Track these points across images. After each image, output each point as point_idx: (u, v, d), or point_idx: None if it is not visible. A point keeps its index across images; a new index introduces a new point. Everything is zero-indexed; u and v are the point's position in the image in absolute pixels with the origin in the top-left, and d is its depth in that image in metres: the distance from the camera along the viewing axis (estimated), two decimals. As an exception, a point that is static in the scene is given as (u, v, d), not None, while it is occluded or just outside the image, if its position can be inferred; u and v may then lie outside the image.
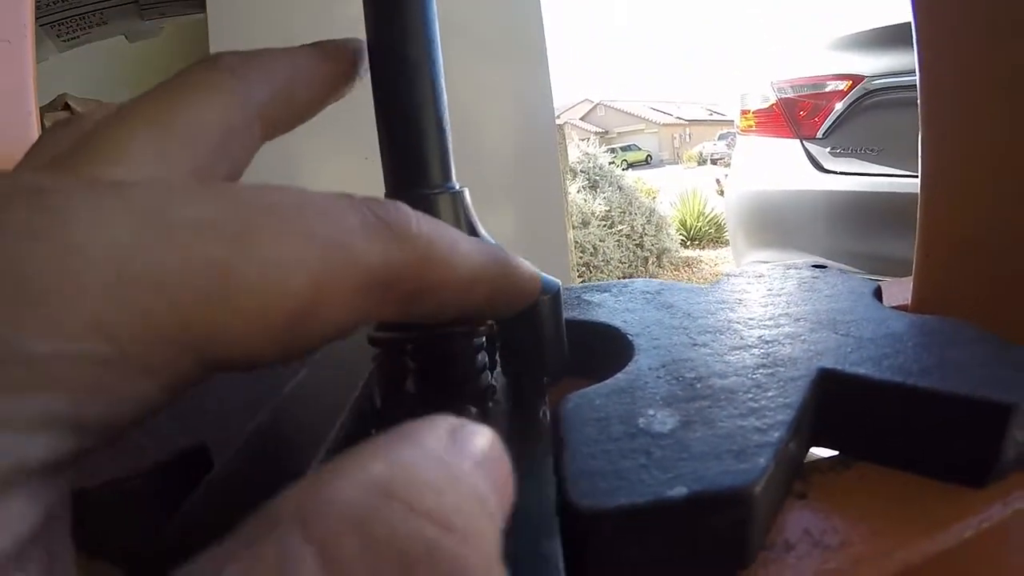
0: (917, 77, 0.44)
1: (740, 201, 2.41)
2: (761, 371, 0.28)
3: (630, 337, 0.33)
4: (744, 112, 2.43)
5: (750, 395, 0.26)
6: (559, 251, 1.95)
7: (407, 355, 0.30)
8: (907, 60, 1.70)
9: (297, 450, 0.21)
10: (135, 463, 0.27)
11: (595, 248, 4.55)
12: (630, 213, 4.93)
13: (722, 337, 0.32)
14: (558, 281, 0.29)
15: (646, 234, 4.94)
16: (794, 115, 2.19)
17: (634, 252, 4.83)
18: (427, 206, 0.27)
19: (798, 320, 0.34)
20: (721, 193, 5.23)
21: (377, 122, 0.29)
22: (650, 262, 4.91)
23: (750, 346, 0.31)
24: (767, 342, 0.31)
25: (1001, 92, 0.38)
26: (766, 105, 2.31)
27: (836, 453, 0.28)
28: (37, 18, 1.48)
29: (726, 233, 4.31)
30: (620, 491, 0.20)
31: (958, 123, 0.42)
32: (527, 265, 0.24)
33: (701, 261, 5.21)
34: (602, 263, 4.53)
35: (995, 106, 0.39)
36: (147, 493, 0.26)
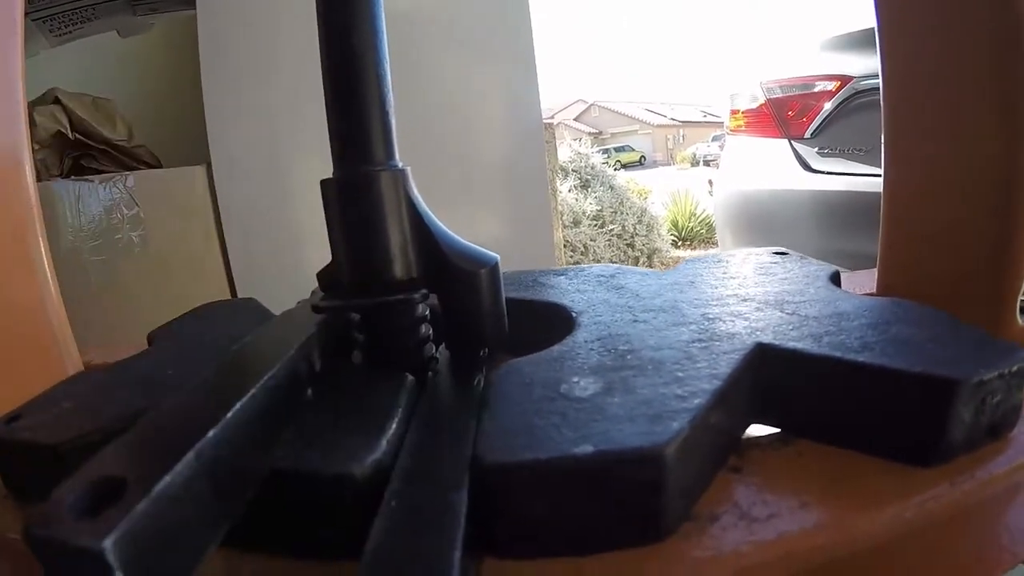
0: (880, 78, 0.45)
1: (729, 200, 2.42)
2: (695, 344, 0.27)
3: (574, 314, 0.33)
4: (733, 112, 2.44)
5: (678, 366, 0.25)
6: (546, 250, 1.94)
7: (351, 326, 0.30)
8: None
9: (220, 400, 0.21)
10: (96, 423, 0.29)
11: (586, 247, 4.55)
12: (621, 213, 4.93)
13: (664, 315, 0.32)
14: (496, 256, 0.30)
15: (637, 234, 4.94)
16: (783, 115, 2.19)
17: (625, 252, 4.83)
18: (370, 182, 0.29)
19: (745, 300, 0.33)
20: (712, 193, 5.24)
21: (325, 105, 0.30)
22: (640, 262, 4.90)
23: (690, 323, 0.30)
24: (708, 319, 0.31)
25: (959, 93, 0.39)
26: (755, 105, 2.31)
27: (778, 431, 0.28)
28: (28, 13, 1.48)
29: (717, 234, 4.33)
30: (528, 447, 0.20)
31: (918, 120, 0.43)
32: None
33: (691, 261, 5.20)
34: (592, 262, 4.54)
35: (954, 106, 0.40)
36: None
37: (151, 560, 0.15)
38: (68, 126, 1.47)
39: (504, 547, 0.21)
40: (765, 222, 2.24)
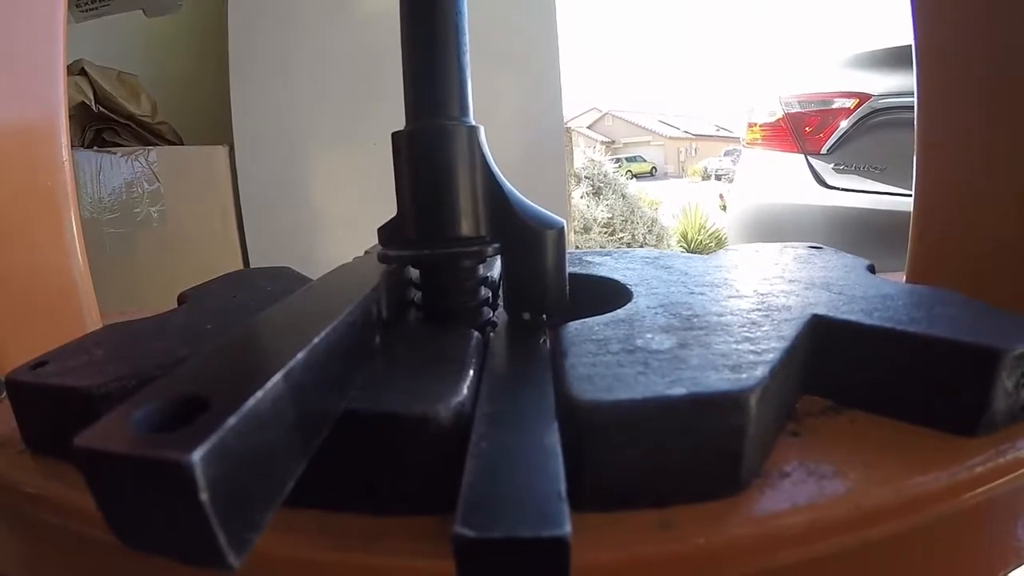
0: (915, 85, 0.46)
1: (743, 213, 2.43)
2: (756, 312, 0.28)
3: (630, 287, 0.34)
4: (751, 125, 2.44)
5: (745, 329, 0.26)
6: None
7: (409, 283, 0.31)
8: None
9: (296, 331, 0.21)
10: (132, 368, 0.28)
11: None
12: (632, 222, 4.94)
13: (719, 289, 0.33)
14: (562, 220, 0.30)
15: (646, 243, 4.95)
16: (800, 130, 2.20)
17: (633, 261, 4.84)
18: (444, 136, 0.29)
19: (792, 282, 0.34)
20: (723, 208, 5.24)
21: (403, 58, 0.31)
22: (649, 272, 4.91)
23: (746, 296, 0.31)
24: (762, 294, 0.32)
25: (989, 102, 0.40)
26: (773, 119, 2.32)
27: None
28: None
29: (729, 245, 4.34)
30: (618, 388, 0.21)
31: (953, 130, 0.44)
32: None
33: (700, 274, 5.21)
34: (602, 268, 4.55)
35: (982, 114, 0.41)
36: None
37: (237, 482, 0.14)
38: (92, 98, 1.47)
39: (586, 500, 0.21)
40: (779, 236, 2.25)
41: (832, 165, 2.11)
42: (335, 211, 1.66)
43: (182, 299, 0.43)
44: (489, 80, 1.70)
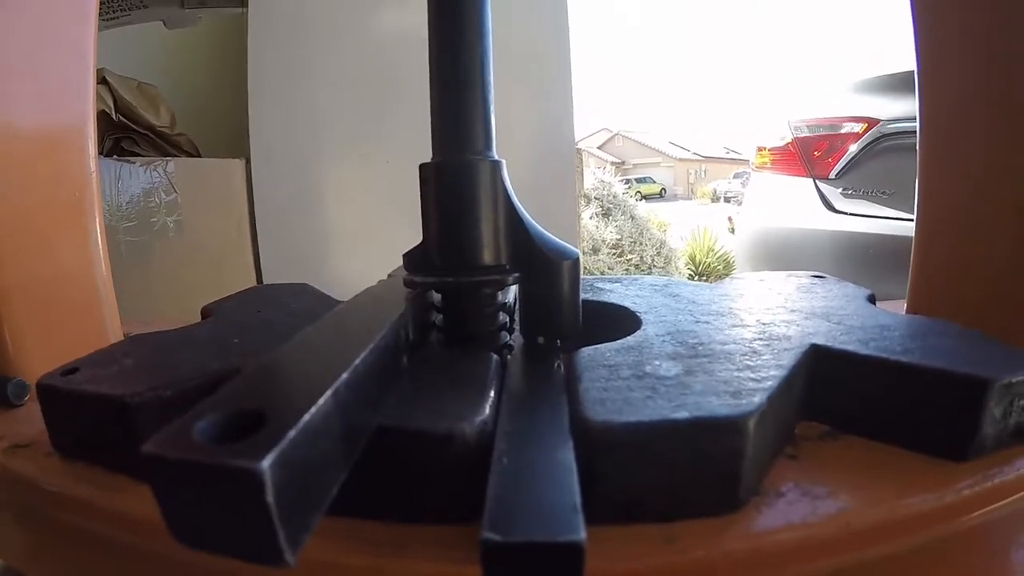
0: (917, 111, 0.47)
1: (751, 236, 2.44)
2: (757, 342, 0.30)
3: (639, 314, 0.36)
4: (760, 149, 2.46)
5: (746, 357, 0.28)
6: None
7: (430, 307, 0.33)
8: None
9: (335, 352, 0.23)
10: (166, 379, 0.30)
11: (603, 275, 4.57)
12: (640, 243, 4.96)
13: (723, 318, 0.35)
14: (577, 251, 0.32)
15: (655, 265, 4.96)
16: (809, 154, 2.21)
17: (641, 283, 4.84)
18: (470, 169, 0.31)
19: (794, 311, 0.36)
20: (732, 230, 5.25)
21: (431, 95, 0.33)
22: (657, 293, 4.91)
23: (748, 325, 0.33)
24: (764, 323, 0.33)
25: (990, 129, 0.42)
26: (782, 143, 2.33)
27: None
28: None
29: (735, 271, 4.33)
30: (628, 412, 0.23)
31: (954, 154, 0.45)
32: None
33: (708, 296, 5.20)
34: (611, 289, 4.55)
35: (983, 141, 0.43)
36: (181, 405, 0.28)
37: (294, 488, 0.16)
38: (112, 107, 1.49)
39: (597, 512, 0.22)
40: (786, 260, 2.26)
41: (840, 190, 2.12)
42: (348, 227, 1.68)
43: (206, 313, 0.45)
44: (500, 98, 1.73)
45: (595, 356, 0.29)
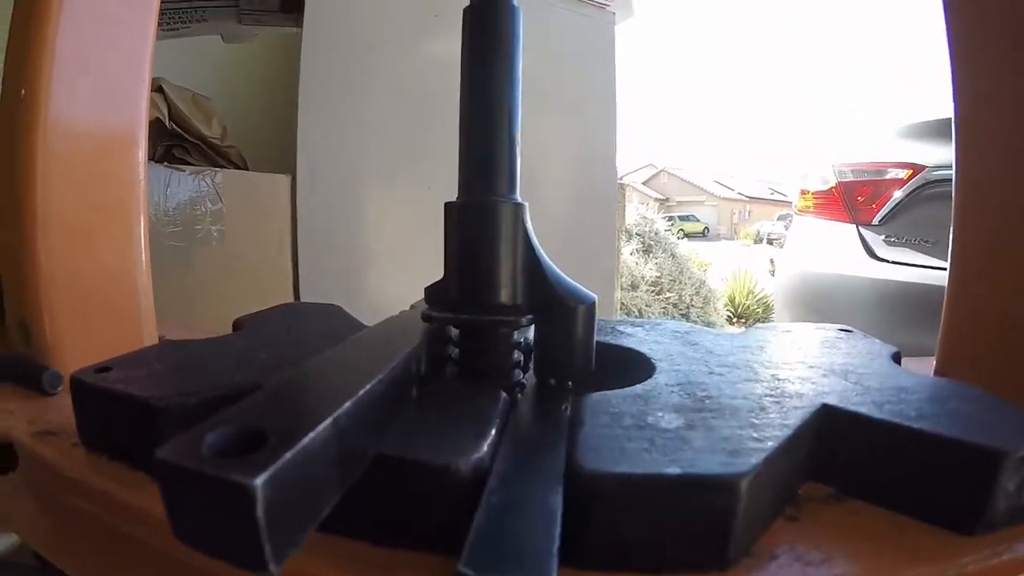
0: (953, 162, 0.47)
1: (790, 281, 2.41)
2: (767, 398, 0.30)
3: (654, 361, 0.36)
4: (803, 192, 2.43)
5: (752, 414, 0.28)
6: (604, 311, 1.95)
7: (448, 341, 0.33)
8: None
9: (345, 379, 0.24)
10: (192, 387, 0.32)
11: (640, 312, 4.53)
12: (680, 282, 4.92)
13: (738, 371, 0.35)
14: (594, 296, 0.33)
15: (693, 305, 4.92)
16: (852, 199, 2.18)
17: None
18: (492, 211, 0.32)
19: (812, 367, 0.36)
20: (772, 273, 5.19)
21: (460, 137, 0.34)
22: (693, 334, 4.86)
23: (762, 380, 0.33)
24: (778, 379, 0.33)
25: None
26: (825, 187, 2.31)
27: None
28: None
29: (774, 314, 4.27)
30: (622, 462, 0.23)
31: (989, 207, 0.45)
32: None
33: (746, 339, 5.13)
34: (647, 327, 4.50)
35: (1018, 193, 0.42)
36: (203, 413, 0.29)
37: (285, 505, 0.17)
38: (167, 115, 1.53)
39: (584, 557, 0.23)
40: (826, 306, 2.22)
41: (883, 236, 2.08)
42: (387, 249, 1.70)
43: (237, 325, 0.47)
44: (545, 132, 1.74)
45: (601, 402, 0.29)
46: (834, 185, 2.26)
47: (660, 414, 0.28)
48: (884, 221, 2.08)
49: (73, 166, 0.52)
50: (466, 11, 0.34)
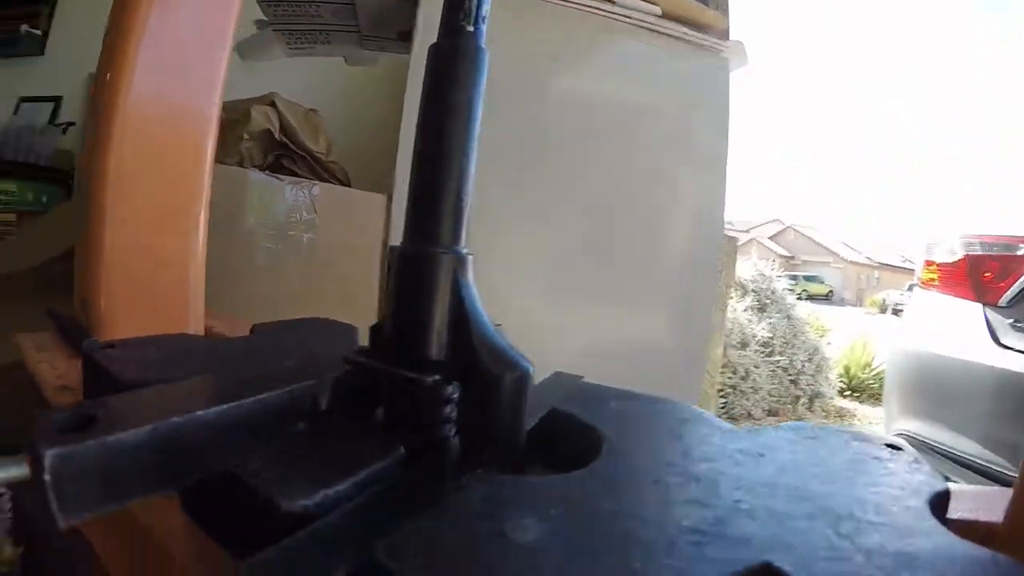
0: None
1: (903, 359, 2.22)
2: (692, 536, 0.23)
3: (603, 449, 0.31)
4: (928, 263, 2.25)
5: (642, 554, 0.21)
6: (694, 366, 1.84)
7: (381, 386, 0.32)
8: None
9: (216, 392, 0.28)
10: (157, 377, 0.33)
11: (747, 373, 4.35)
12: (793, 346, 4.69)
13: (693, 486, 0.28)
14: (528, 366, 0.30)
15: (804, 372, 4.68)
16: (979, 275, 2.00)
17: (787, 387, 4.57)
18: (428, 261, 0.30)
19: (804, 500, 0.28)
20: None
21: (410, 179, 0.32)
22: (800, 402, 4.63)
23: (709, 507, 0.26)
24: (736, 510, 0.26)
25: None
26: (952, 259, 2.12)
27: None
28: (273, 23, 1.65)
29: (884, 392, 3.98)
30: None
31: None
32: None
33: (855, 415, 4.85)
34: (750, 389, 4.32)
35: None
36: None
37: (79, 480, 0.21)
38: (277, 127, 1.63)
39: None
40: (938, 392, 2.03)
41: (1011, 321, 1.88)
42: (477, 279, 1.68)
43: (253, 330, 0.48)
44: (652, 178, 1.68)
45: (472, 490, 0.26)
46: (961, 258, 2.08)
47: (527, 521, 0.23)
48: (1013, 303, 1.88)
49: (153, 154, 0.59)
50: (430, 49, 0.32)
